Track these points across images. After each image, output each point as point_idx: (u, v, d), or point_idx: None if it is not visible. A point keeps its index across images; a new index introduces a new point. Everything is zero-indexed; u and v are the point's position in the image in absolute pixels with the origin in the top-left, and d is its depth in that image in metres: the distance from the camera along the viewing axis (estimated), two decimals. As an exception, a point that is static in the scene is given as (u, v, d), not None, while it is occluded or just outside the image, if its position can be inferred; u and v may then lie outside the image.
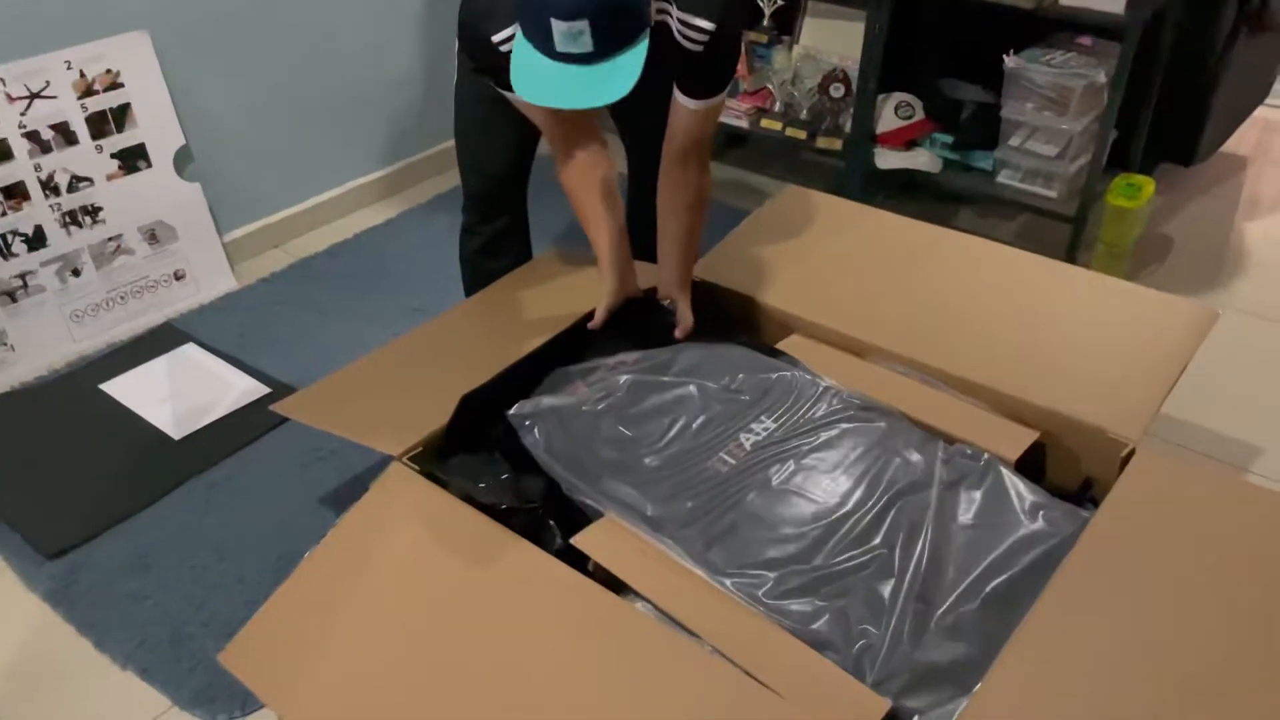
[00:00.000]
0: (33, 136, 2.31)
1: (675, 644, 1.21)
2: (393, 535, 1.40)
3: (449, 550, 1.37)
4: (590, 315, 1.71)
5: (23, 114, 2.28)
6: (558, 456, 1.49)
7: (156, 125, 2.49)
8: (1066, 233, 2.51)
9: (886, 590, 1.26)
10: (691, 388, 1.55)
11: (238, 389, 2.28)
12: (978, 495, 1.37)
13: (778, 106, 2.91)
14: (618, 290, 1.69)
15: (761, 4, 2.85)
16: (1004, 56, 2.47)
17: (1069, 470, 1.52)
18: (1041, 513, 1.34)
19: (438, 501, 1.43)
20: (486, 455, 1.51)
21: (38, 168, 2.33)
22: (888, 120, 2.74)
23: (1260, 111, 3.10)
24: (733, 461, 1.44)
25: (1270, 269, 2.63)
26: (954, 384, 1.59)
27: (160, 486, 2.02)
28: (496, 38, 1.44)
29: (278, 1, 2.63)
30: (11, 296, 2.35)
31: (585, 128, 1.67)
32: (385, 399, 1.65)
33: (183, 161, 2.56)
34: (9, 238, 2.32)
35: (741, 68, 2.90)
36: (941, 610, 1.24)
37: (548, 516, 1.43)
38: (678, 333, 1.72)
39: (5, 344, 2.35)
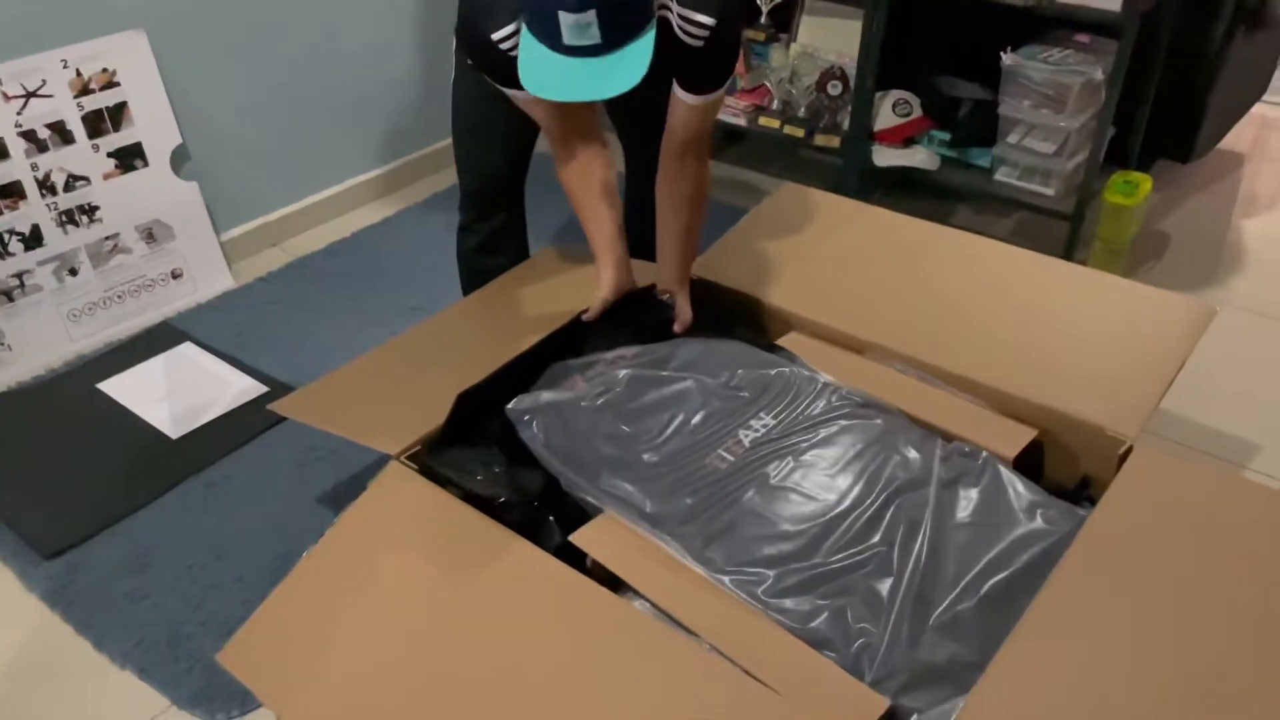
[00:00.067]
0: (29, 136, 2.31)
1: (674, 642, 1.21)
2: (391, 534, 1.40)
3: (447, 549, 1.37)
4: (582, 326, 1.71)
5: (19, 113, 2.28)
6: (556, 452, 1.49)
7: (153, 124, 2.49)
8: (1064, 230, 2.51)
9: (885, 589, 1.26)
10: (690, 383, 1.55)
11: (235, 388, 2.28)
12: (976, 493, 1.37)
13: (775, 104, 2.91)
14: (613, 283, 1.69)
15: (759, 2, 2.85)
16: (1001, 54, 2.47)
17: (1067, 468, 1.52)
18: (1039, 511, 1.34)
19: (436, 500, 1.42)
20: (484, 449, 1.51)
21: (34, 167, 2.33)
22: (885, 118, 2.74)
23: (1257, 108, 3.10)
24: (731, 458, 1.44)
25: (1267, 266, 2.63)
26: (952, 381, 1.59)
27: (158, 486, 2.02)
28: (497, 36, 1.44)
29: (274, 0, 2.62)
30: (8, 296, 2.35)
31: (585, 126, 1.67)
32: (383, 398, 1.65)
33: (179, 160, 2.56)
34: (5, 237, 2.31)
35: (739, 65, 2.89)
36: (940, 609, 1.24)
37: (546, 512, 1.43)
38: (676, 327, 1.72)
39: (2, 344, 2.35)
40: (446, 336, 1.80)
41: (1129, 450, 1.43)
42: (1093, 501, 1.38)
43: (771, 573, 1.28)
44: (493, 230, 1.96)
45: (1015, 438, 1.48)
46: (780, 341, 1.70)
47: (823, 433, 1.46)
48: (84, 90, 2.36)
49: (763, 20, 2.88)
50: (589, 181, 1.68)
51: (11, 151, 2.28)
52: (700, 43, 1.45)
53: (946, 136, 2.72)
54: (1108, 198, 2.48)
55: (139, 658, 1.69)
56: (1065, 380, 1.55)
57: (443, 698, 1.19)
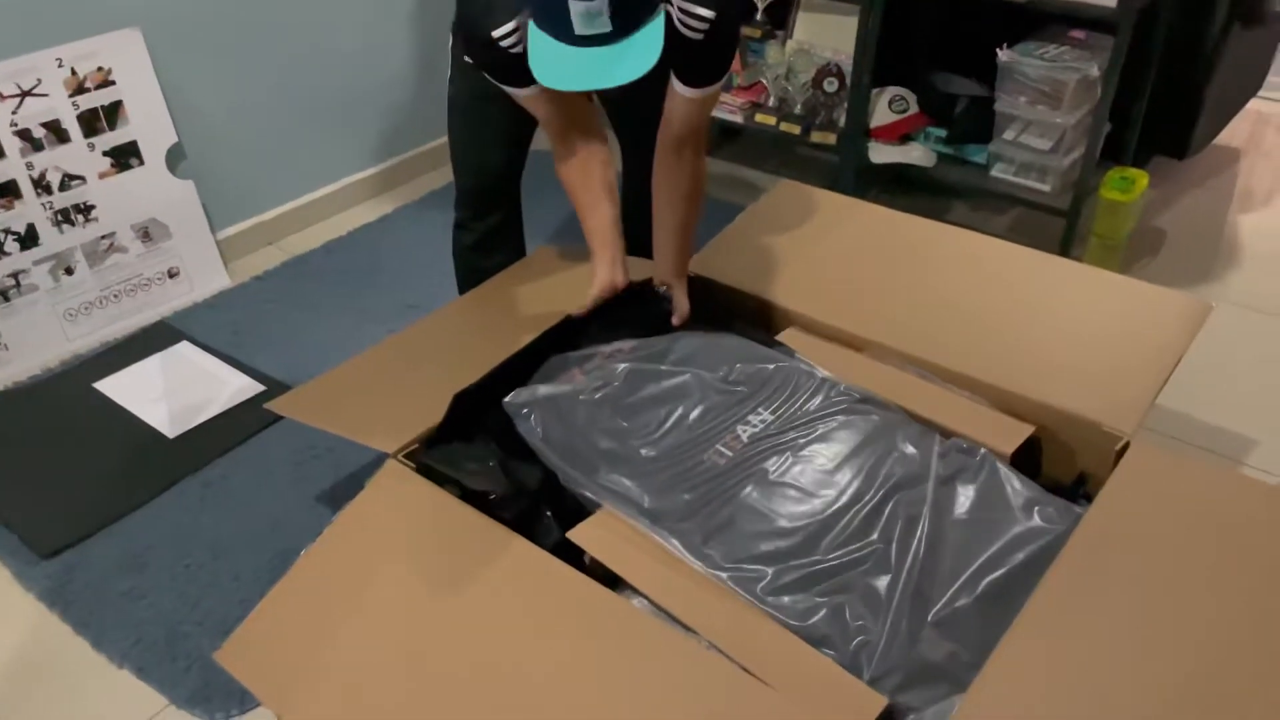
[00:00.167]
0: (24, 135, 2.30)
1: (672, 640, 1.21)
2: (388, 533, 1.40)
3: (445, 547, 1.37)
4: (579, 322, 1.71)
5: (14, 112, 2.27)
6: (554, 446, 1.48)
7: (149, 123, 2.48)
8: (1060, 226, 2.51)
9: (883, 586, 1.26)
10: (688, 377, 1.55)
11: (232, 387, 2.27)
12: (974, 490, 1.37)
13: (772, 101, 2.91)
14: (608, 279, 1.68)
15: (755, -1, 2.86)
16: (997, 50, 2.47)
17: (1064, 464, 1.53)
18: (1037, 509, 1.34)
19: (433, 499, 1.42)
20: (480, 445, 1.51)
21: (29, 166, 2.32)
22: (882, 114, 2.74)
23: (1253, 104, 3.11)
24: (730, 454, 1.44)
25: (1263, 261, 2.63)
26: (949, 378, 1.59)
27: (155, 485, 2.02)
28: (498, 33, 1.43)
29: (270, -2, 2.63)
30: (4, 296, 2.34)
31: (586, 122, 1.67)
32: (380, 396, 1.64)
33: (175, 159, 2.56)
34: (1, 237, 2.31)
35: (735, 62, 2.89)
36: (938, 606, 1.24)
37: (544, 507, 1.43)
38: (675, 320, 1.72)
39: (-2, 343, 2.35)
40: (444, 335, 1.80)
41: (1125, 446, 1.44)
42: (1089, 498, 1.38)
43: (770, 570, 1.28)
44: (489, 228, 1.96)
45: (1012, 434, 1.48)
46: (779, 337, 1.70)
47: (821, 428, 1.46)
48: (79, 89, 2.36)
49: (759, 17, 2.88)
50: (588, 177, 1.68)
51: (7, 151, 2.28)
52: (700, 35, 1.45)
53: (943, 133, 2.72)
54: (1104, 194, 2.48)
55: (137, 657, 1.69)
56: (1062, 376, 1.55)
57: (441, 696, 1.19)
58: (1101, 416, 1.47)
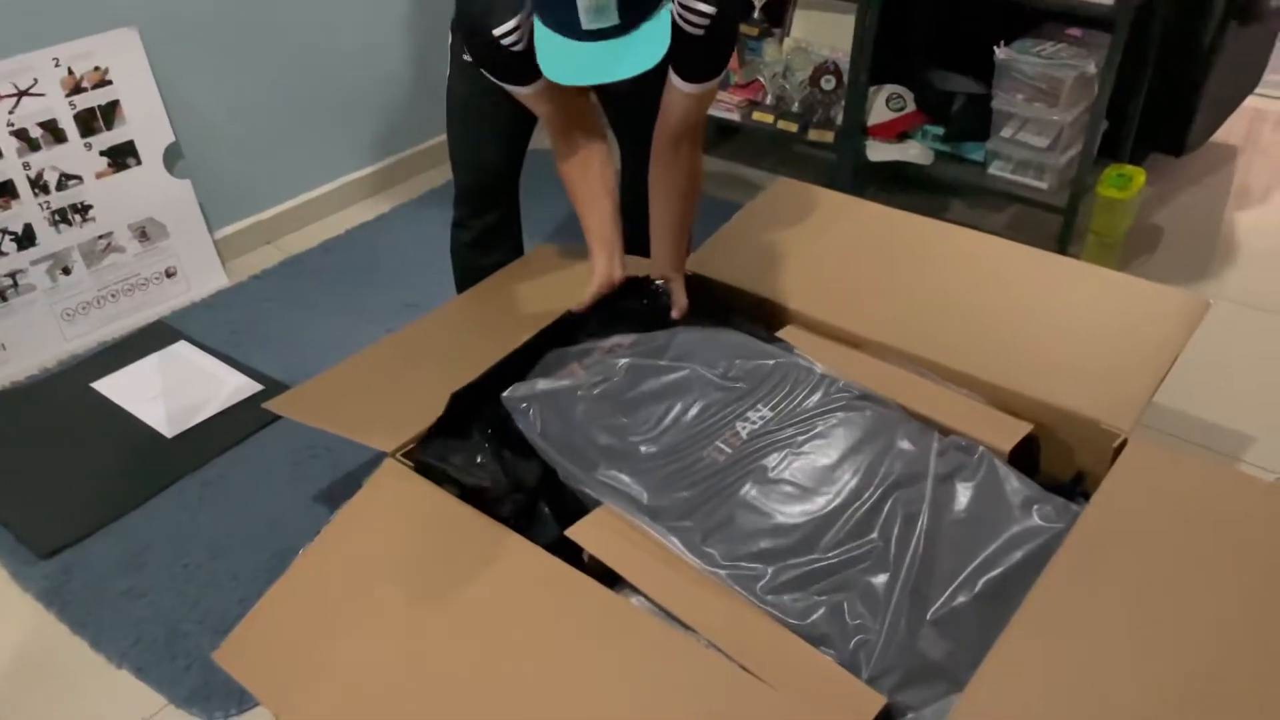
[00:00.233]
0: (21, 134, 2.30)
1: (671, 639, 1.21)
2: (386, 532, 1.40)
3: (443, 546, 1.37)
4: (577, 317, 1.71)
5: (11, 112, 2.27)
6: (552, 441, 1.48)
7: (146, 122, 2.48)
8: (1057, 224, 2.52)
9: (882, 585, 1.26)
10: (687, 372, 1.55)
11: (230, 386, 2.27)
12: (972, 488, 1.37)
13: (769, 99, 2.91)
14: (605, 274, 1.69)
15: (752, -3, 2.85)
16: (994, 48, 2.47)
17: (1062, 461, 1.53)
18: (1035, 507, 1.34)
19: (431, 498, 1.42)
20: (476, 441, 1.50)
21: (26, 166, 2.32)
22: (879, 112, 2.74)
23: (1250, 101, 3.11)
24: (729, 451, 1.44)
25: (1261, 258, 2.63)
26: (947, 376, 1.59)
27: (153, 485, 2.02)
28: (499, 31, 1.44)
29: (266, -3, 2.62)
30: (2, 296, 2.34)
31: (586, 120, 1.67)
32: (378, 396, 1.64)
33: (172, 158, 2.55)
34: (-2, 236, 2.31)
35: (732, 60, 2.89)
36: (936, 605, 1.25)
37: (542, 504, 1.43)
38: (674, 314, 1.72)
39: (-4, 343, 2.35)
40: (442, 334, 1.80)
41: (1123, 443, 1.44)
42: (1087, 496, 1.38)
43: (769, 568, 1.28)
44: (487, 227, 1.96)
45: (1010, 432, 1.48)
46: (778, 334, 1.70)
47: (820, 426, 1.46)
48: (76, 89, 2.36)
49: (756, 15, 2.88)
50: (587, 175, 1.69)
51: (3, 151, 2.28)
52: (700, 31, 1.45)
53: (940, 131, 2.72)
54: (1101, 191, 2.48)
55: (136, 656, 1.69)
56: (1059, 374, 1.55)
57: (439, 695, 1.19)
58: (1099, 414, 1.47)
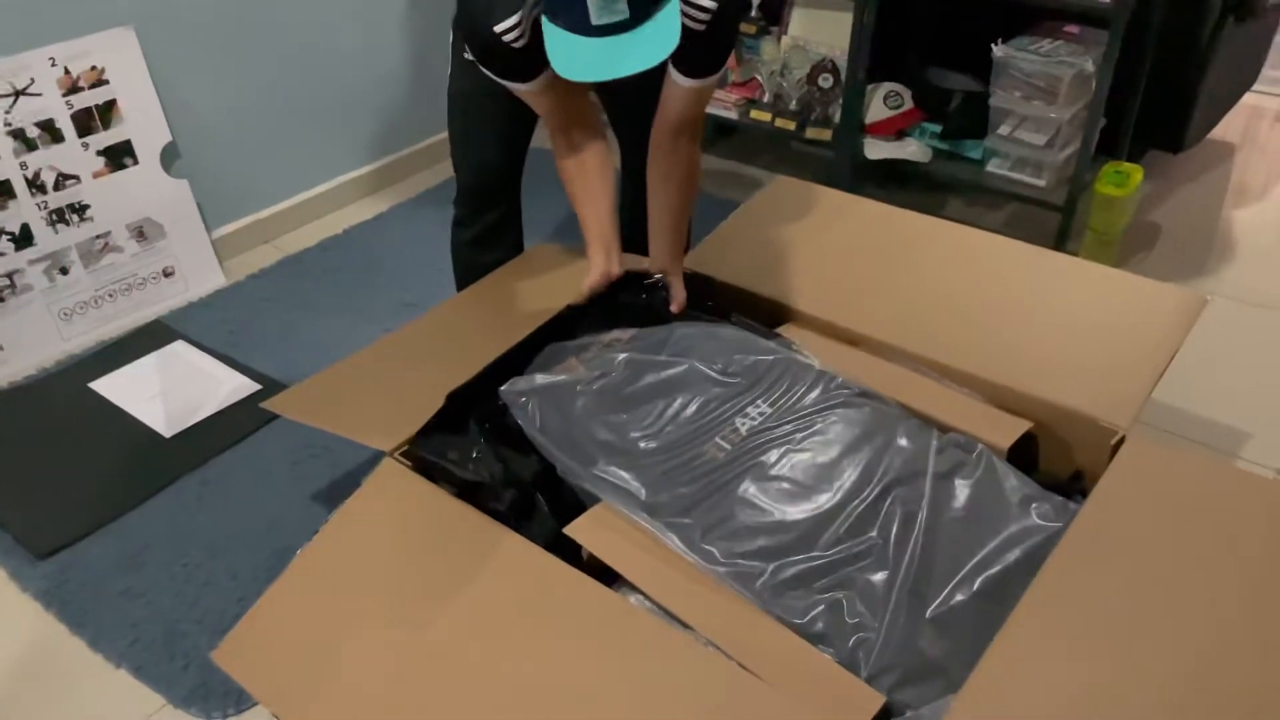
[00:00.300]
0: (18, 134, 2.30)
1: (670, 637, 1.21)
2: (385, 531, 1.40)
3: (441, 545, 1.37)
4: (577, 306, 1.71)
5: (7, 112, 2.27)
6: (551, 436, 1.48)
7: (143, 122, 2.48)
8: (1055, 221, 2.52)
9: (881, 583, 1.26)
10: (686, 368, 1.55)
11: (228, 386, 2.27)
12: (971, 486, 1.37)
13: (767, 97, 2.91)
14: (603, 269, 1.69)
15: (749, -6, 2.85)
16: (992, 45, 2.47)
17: (1060, 459, 1.53)
18: (1033, 505, 1.35)
19: (429, 497, 1.42)
20: (474, 435, 1.50)
21: (23, 165, 2.32)
22: (877, 110, 2.73)
23: (1248, 98, 3.11)
24: (728, 447, 1.44)
25: (1258, 255, 2.64)
26: (945, 373, 1.59)
27: (151, 484, 2.02)
28: (500, 28, 1.44)
29: (263, -4, 2.62)
30: (-1, 295, 2.34)
31: (586, 118, 1.68)
32: (376, 395, 1.64)
33: (170, 158, 2.55)
34: (-4, 236, 2.31)
35: (730, 59, 2.89)
36: (935, 604, 1.25)
37: (539, 499, 1.42)
38: (673, 307, 1.72)
39: (-7, 343, 2.35)
40: (440, 332, 1.80)
41: (1121, 440, 1.44)
42: (1085, 494, 1.38)
43: (768, 566, 1.28)
44: (487, 225, 1.96)
45: (1009, 430, 1.48)
46: (776, 331, 1.70)
47: (819, 423, 1.46)
48: (73, 88, 2.35)
49: (753, 13, 2.88)
50: (586, 171, 1.69)
51: (0, 151, 2.27)
52: (702, 26, 1.46)
53: (938, 129, 2.72)
54: (1099, 188, 2.48)
55: (134, 656, 1.68)
56: (1057, 371, 1.56)
57: (438, 694, 1.19)
58: (1097, 411, 1.47)
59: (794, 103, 2.84)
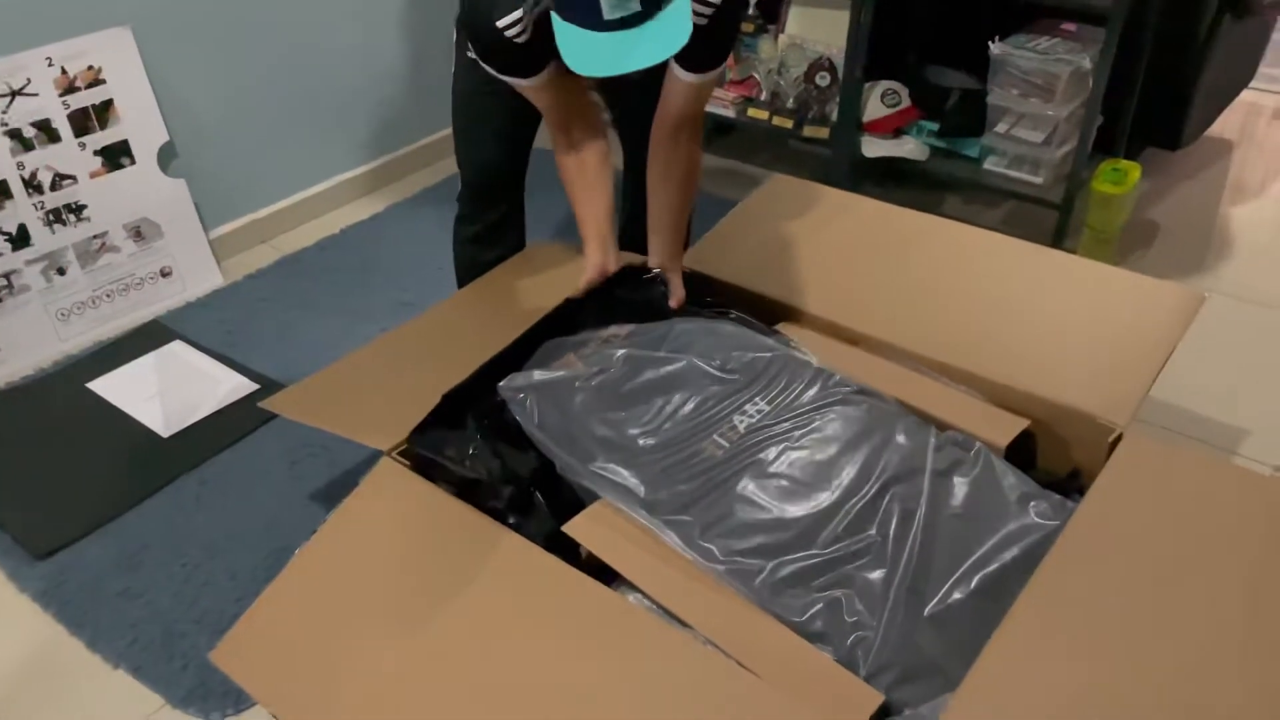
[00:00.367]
0: (14, 134, 2.30)
1: (668, 636, 1.21)
2: (383, 530, 1.40)
3: (439, 544, 1.37)
4: (575, 301, 1.72)
5: (4, 112, 2.27)
6: (550, 432, 1.48)
7: (140, 121, 2.47)
8: (1053, 219, 2.52)
9: (880, 581, 1.26)
10: (685, 364, 1.54)
11: (226, 386, 2.27)
12: (969, 485, 1.37)
13: (764, 95, 2.91)
14: (598, 265, 1.69)
15: (747, -7, 2.85)
16: (989, 43, 2.47)
17: (1058, 456, 1.53)
18: (1031, 504, 1.34)
19: (428, 496, 1.42)
20: (471, 431, 1.50)
21: (20, 166, 2.32)
22: (874, 108, 2.73)
23: (1245, 95, 3.11)
24: (726, 444, 1.44)
25: (1256, 252, 2.64)
26: (942, 371, 1.59)
27: (149, 484, 2.02)
28: (503, 23, 1.44)
29: (260, -5, 2.62)
30: (-4, 296, 2.34)
31: (586, 116, 1.68)
32: (374, 394, 1.64)
33: (167, 158, 2.55)
34: (-7, 237, 2.31)
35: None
36: (933, 602, 1.24)
37: (537, 496, 1.42)
38: (672, 303, 1.72)
39: (-9, 344, 2.34)
40: (438, 331, 1.79)
41: (1119, 438, 1.44)
42: (1083, 492, 1.38)
43: (767, 564, 1.28)
44: (490, 223, 1.96)
45: (1007, 428, 1.48)
46: (774, 328, 1.70)
47: (817, 420, 1.46)
48: (69, 88, 2.35)
49: (751, 11, 2.88)
50: (584, 168, 1.70)
51: (-3, 150, 2.28)
52: (705, 20, 1.46)
53: (935, 126, 2.72)
54: (1096, 186, 2.48)
55: (133, 657, 1.68)
56: (1055, 369, 1.55)
57: (436, 692, 1.19)
58: (1095, 408, 1.47)
59: (791, 101, 2.84)
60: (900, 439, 1.42)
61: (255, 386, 2.25)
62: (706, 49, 1.53)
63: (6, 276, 2.35)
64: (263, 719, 1.58)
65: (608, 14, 1.25)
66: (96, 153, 2.42)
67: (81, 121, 2.39)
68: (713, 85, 1.61)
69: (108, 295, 2.51)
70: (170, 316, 2.55)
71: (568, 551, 1.33)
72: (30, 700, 1.64)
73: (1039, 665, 1.12)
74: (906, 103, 2.75)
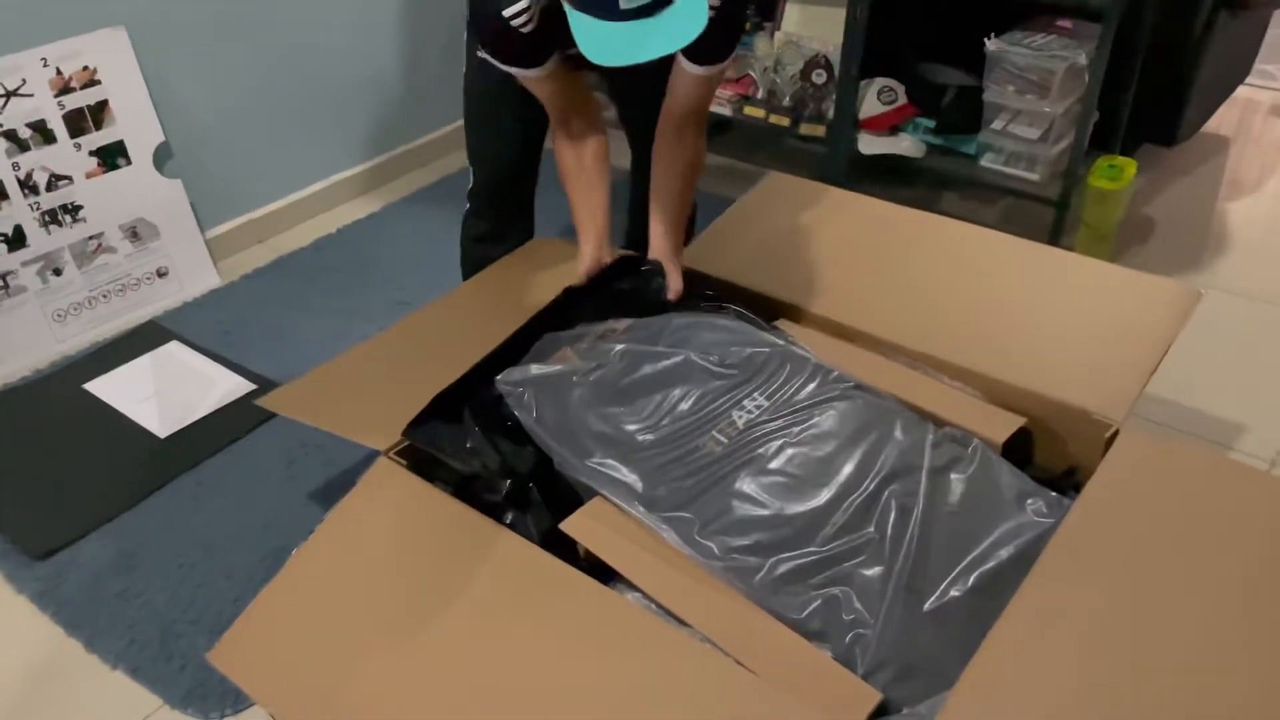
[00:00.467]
0: (10, 135, 2.29)
1: (666, 635, 1.21)
2: (380, 530, 1.40)
3: (437, 544, 1.36)
4: (573, 299, 1.72)
5: (-1, 112, 2.27)
6: (548, 427, 1.47)
7: (135, 122, 2.47)
8: (1049, 215, 2.52)
9: (878, 578, 1.26)
10: (682, 359, 1.54)
11: (223, 386, 2.27)
12: (966, 482, 1.37)
13: (760, 93, 2.91)
14: (593, 253, 1.70)
15: (742, -9, 2.85)
16: (985, 40, 2.47)
17: (1055, 453, 1.53)
18: (1028, 502, 1.34)
19: (425, 495, 1.42)
20: (468, 424, 1.49)
21: (15, 166, 2.31)
22: (870, 105, 2.73)
23: (1241, 91, 3.11)
24: (725, 441, 1.43)
25: (1252, 248, 2.64)
26: (939, 368, 1.59)
27: (146, 485, 2.01)
28: (508, 12, 1.44)
29: (255, -5, 2.61)
30: (-8, 297, 2.34)
31: (586, 110, 1.69)
32: (371, 393, 1.64)
33: (162, 158, 2.55)
34: (-12, 238, 2.31)
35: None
36: (931, 599, 1.25)
37: (534, 491, 1.42)
38: (670, 296, 1.72)
39: (-13, 345, 2.34)
40: (435, 330, 1.79)
41: (1115, 434, 1.44)
42: (1079, 489, 1.38)
43: (766, 561, 1.28)
44: (499, 221, 1.97)
45: (1003, 425, 1.48)
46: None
47: (815, 416, 1.46)
48: (65, 89, 2.35)
49: (748, 9, 2.87)
50: (581, 162, 1.70)
51: (-8, 151, 2.27)
52: (712, 13, 1.46)
53: (931, 124, 2.72)
54: (1093, 182, 2.48)
55: (131, 658, 1.68)
56: (1052, 365, 1.56)
57: (434, 692, 1.19)
58: (1091, 405, 1.47)
59: (788, 99, 2.84)
60: (898, 435, 1.42)
61: (252, 387, 2.25)
62: (714, 42, 1.53)
63: (3, 277, 2.34)
64: (261, 719, 1.58)
65: (624, 3, 1.25)
66: (92, 153, 2.42)
67: (77, 122, 2.38)
68: (719, 79, 1.61)
69: (104, 296, 2.51)
70: (167, 317, 2.55)
71: (566, 548, 1.33)
72: (29, 701, 1.63)
73: (1036, 662, 1.12)
74: (903, 100, 2.74)
